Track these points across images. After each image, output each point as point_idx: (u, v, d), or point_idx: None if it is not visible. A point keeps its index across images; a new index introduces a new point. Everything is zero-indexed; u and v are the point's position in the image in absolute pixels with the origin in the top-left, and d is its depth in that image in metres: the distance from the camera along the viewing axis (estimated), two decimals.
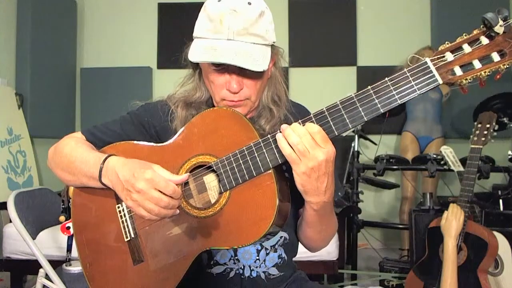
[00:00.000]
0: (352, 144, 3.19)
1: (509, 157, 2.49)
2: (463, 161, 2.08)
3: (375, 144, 3.40)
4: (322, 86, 3.93)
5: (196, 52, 0.91)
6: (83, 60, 4.18)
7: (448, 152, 2.16)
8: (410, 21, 3.98)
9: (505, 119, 2.53)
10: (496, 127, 1.79)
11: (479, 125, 1.82)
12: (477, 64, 0.75)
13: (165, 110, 1.04)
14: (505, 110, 2.62)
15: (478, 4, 3.68)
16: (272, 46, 0.96)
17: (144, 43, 4.14)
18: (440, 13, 3.84)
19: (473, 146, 1.79)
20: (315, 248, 1.06)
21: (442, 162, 2.26)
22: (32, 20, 3.35)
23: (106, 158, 0.92)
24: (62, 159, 1.00)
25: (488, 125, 1.79)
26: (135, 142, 1.01)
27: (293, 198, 0.90)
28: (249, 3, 0.90)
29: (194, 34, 0.95)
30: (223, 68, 0.93)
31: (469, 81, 0.76)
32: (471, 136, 1.82)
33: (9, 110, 3.13)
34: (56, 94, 3.73)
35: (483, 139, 1.78)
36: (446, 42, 0.78)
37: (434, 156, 2.65)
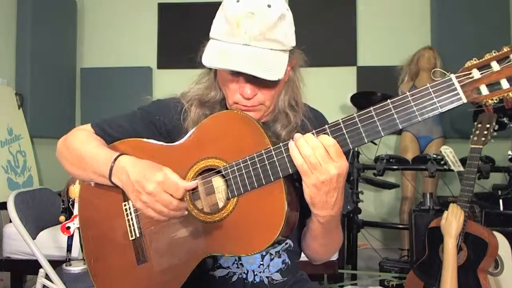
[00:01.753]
0: None
1: (509, 157, 2.49)
2: (463, 161, 2.08)
3: (375, 144, 3.40)
4: (322, 86, 3.92)
5: (210, 56, 0.88)
6: (83, 60, 4.18)
7: (448, 152, 2.16)
8: (410, 21, 3.98)
9: (505, 119, 2.52)
10: (496, 127, 1.79)
11: (479, 125, 1.82)
12: (505, 84, 0.70)
13: (178, 108, 1.02)
14: (505, 110, 2.61)
15: (478, 4, 3.69)
16: (291, 50, 0.93)
17: (144, 43, 4.14)
18: (440, 13, 3.83)
19: (473, 146, 1.79)
20: (317, 260, 1.04)
21: (442, 162, 2.26)
22: (32, 20, 3.35)
23: (117, 157, 0.91)
24: (72, 153, 0.98)
25: (488, 125, 1.79)
26: (145, 140, 0.99)
27: (300, 207, 0.88)
28: (269, 6, 0.87)
29: (211, 34, 0.92)
30: (237, 72, 0.89)
31: (495, 101, 0.71)
32: (471, 136, 1.82)
33: (9, 110, 3.13)
34: (56, 94, 3.73)
35: (483, 139, 1.78)
36: (474, 59, 0.73)
37: (434, 156, 2.65)
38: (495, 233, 1.77)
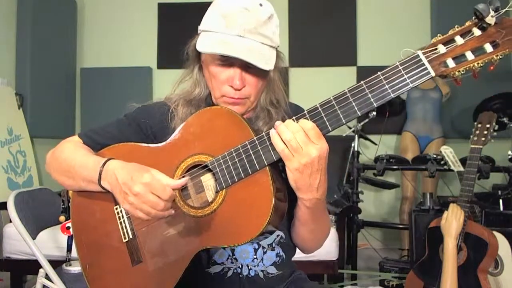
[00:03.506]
0: (352, 144, 3.19)
1: (509, 157, 2.49)
2: (463, 161, 2.08)
3: (375, 144, 3.40)
4: (322, 86, 3.92)
5: (207, 43, 0.91)
6: (83, 60, 4.18)
7: (448, 152, 2.16)
8: (410, 21, 3.98)
9: (505, 119, 2.53)
10: (496, 127, 1.79)
11: (479, 125, 1.82)
12: (469, 55, 0.75)
13: (164, 110, 1.03)
14: (505, 110, 2.62)
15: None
16: (276, 50, 0.97)
17: (144, 43, 4.14)
18: (440, 13, 3.84)
19: (473, 146, 1.79)
20: (308, 249, 1.06)
21: (442, 162, 2.26)
22: (32, 20, 3.35)
23: (105, 162, 0.92)
24: (61, 163, 1.00)
25: (488, 125, 1.79)
26: (132, 143, 1.00)
27: (288, 198, 0.90)
28: (261, 5, 0.92)
29: (202, 28, 0.95)
30: (228, 63, 0.93)
31: (462, 72, 0.75)
32: (471, 136, 1.82)
33: (9, 110, 3.13)
34: (56, 94, 3.73)
35: (483, 139, 1.78)
36: (438, 35, 0.77)
37: (434, 156, 2.65)
38: (495, 233, 1.77)
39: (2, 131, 2.99)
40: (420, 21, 3.97)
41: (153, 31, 4.15)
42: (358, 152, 3.16)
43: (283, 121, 0.83)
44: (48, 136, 3.46)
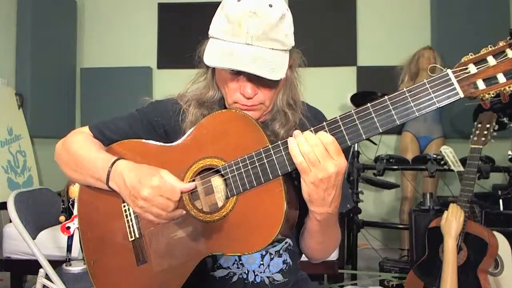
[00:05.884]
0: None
1: (509, 157, 2.49)
2: (463, 161, 2.08)
3: (375, 144, 3.40)
4: (322, 86, 3.92)
5: (212, 56, 0.87)
6: (83, 60, 4.18)
7: (448, 152, 2.16)
8: (410, 21, 3.98)
9: (505, 119, 2.52)
10: (496, 127, 1.79)
11: (479, 125, 1.82)
12: (501, 78, 0.71)
13: (176, 109, 1.01)
14: (505, 110, 2.61)
15: (478, 4, 3.68)
16: (290, 50, 0.93)
17: (144, 43, 4.14)
18: (440, 13, 3.84)
19: (473, 146, 1.79)
20: (316, 258, 1.04)
21: (442, 162, 2.26)
22: (32, 20, 3.35)
23: (114, 162, 0.90)
24: (70, 156, 0.98)
25: (488, 125, 1.79)
26: (143, 140, 0.99)
27: (299, 205, 0.88)
28: (270, 5, 0.86)
29: (210, 33, 0.91)
30: (238, 71, 0.89)
31: (492, 95, 0.72)
32: (471, 136, 1.82)
33: (9, 110, 3.13)
34: (56, 94, 3.73)
35: (483, 139, 1.78)
36: (470, 54, 0.73)
37: (434, 156, 2.65)
38: (495, 233, 1.77)
39: (2, 131, 3.00)
40: (420, 21, 3.96)
41: (153, 31, 4.15)
42: (358, 152, 3.16)
43: (301, 123, 0.79)
44: (48, 136, 3.46)
